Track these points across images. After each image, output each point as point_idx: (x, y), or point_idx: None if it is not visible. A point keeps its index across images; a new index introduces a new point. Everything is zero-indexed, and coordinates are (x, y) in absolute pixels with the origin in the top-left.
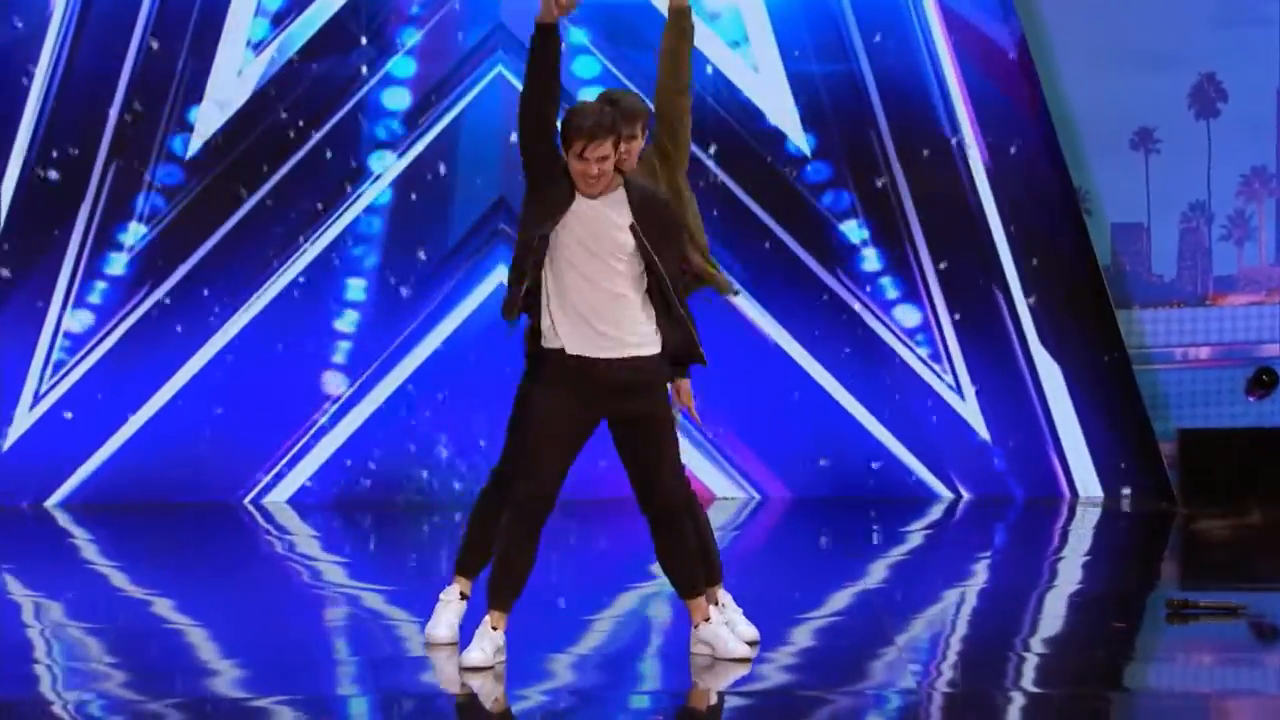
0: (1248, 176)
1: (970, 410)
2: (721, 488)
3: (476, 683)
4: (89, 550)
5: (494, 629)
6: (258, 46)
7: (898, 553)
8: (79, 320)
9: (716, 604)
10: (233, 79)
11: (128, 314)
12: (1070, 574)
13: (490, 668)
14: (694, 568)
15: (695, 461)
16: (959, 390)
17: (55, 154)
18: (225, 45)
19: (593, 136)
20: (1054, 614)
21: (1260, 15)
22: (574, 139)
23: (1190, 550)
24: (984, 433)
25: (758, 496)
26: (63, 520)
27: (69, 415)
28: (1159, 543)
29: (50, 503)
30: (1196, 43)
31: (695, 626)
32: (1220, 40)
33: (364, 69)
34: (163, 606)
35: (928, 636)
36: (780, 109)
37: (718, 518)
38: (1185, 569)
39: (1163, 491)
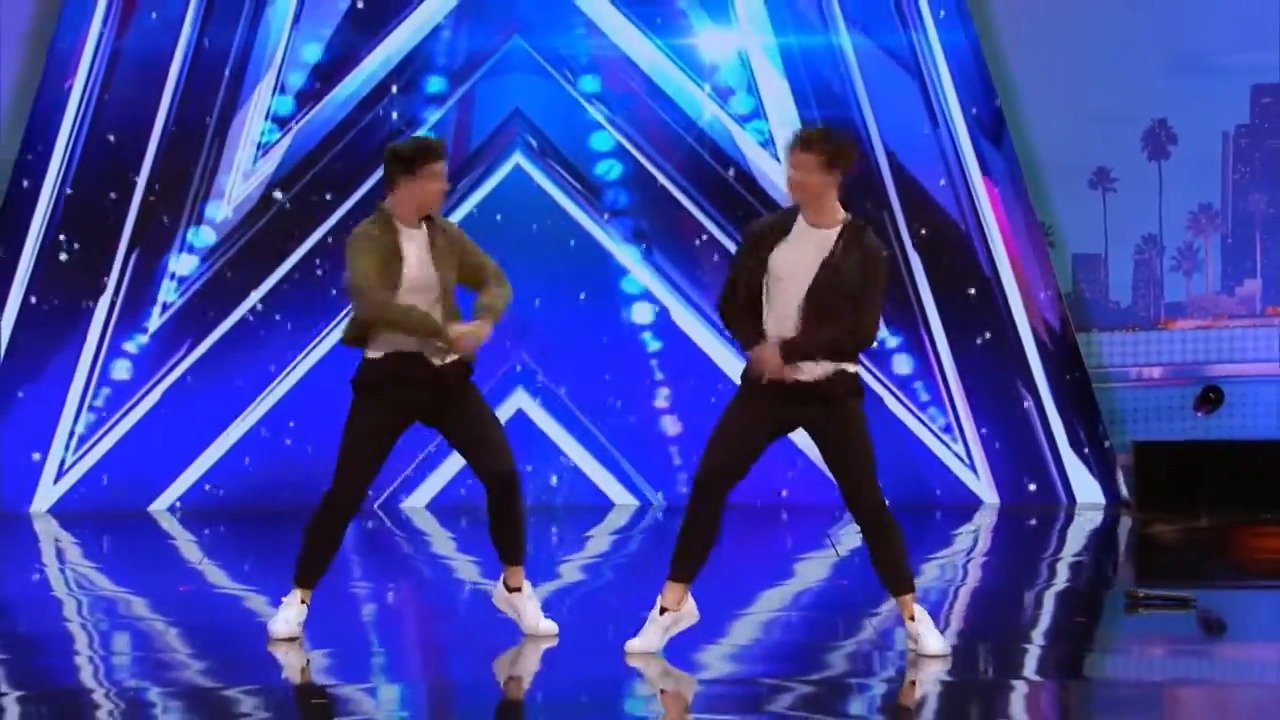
0: (1195, 213)
1: (956, 424)
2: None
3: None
4: (192, 552)
5: (661, 613)
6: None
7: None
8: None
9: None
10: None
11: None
12: (1033, 572)
13: (654, 652)
14: (900, 570)
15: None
16: (948, 405)
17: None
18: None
19: None
20: (1019, 608)
21: (1207, 67)
22: None
23: (1144, 551)
24: (968, 442)
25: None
26: (167, 524)
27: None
28: (1116, 544)
29: (156, 507)
30: (1149, 92)
31: (907, 620)
32: (1171, 90)
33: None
34: (257, 602)
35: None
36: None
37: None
38: (1140, 568)
39: (1119, 498)
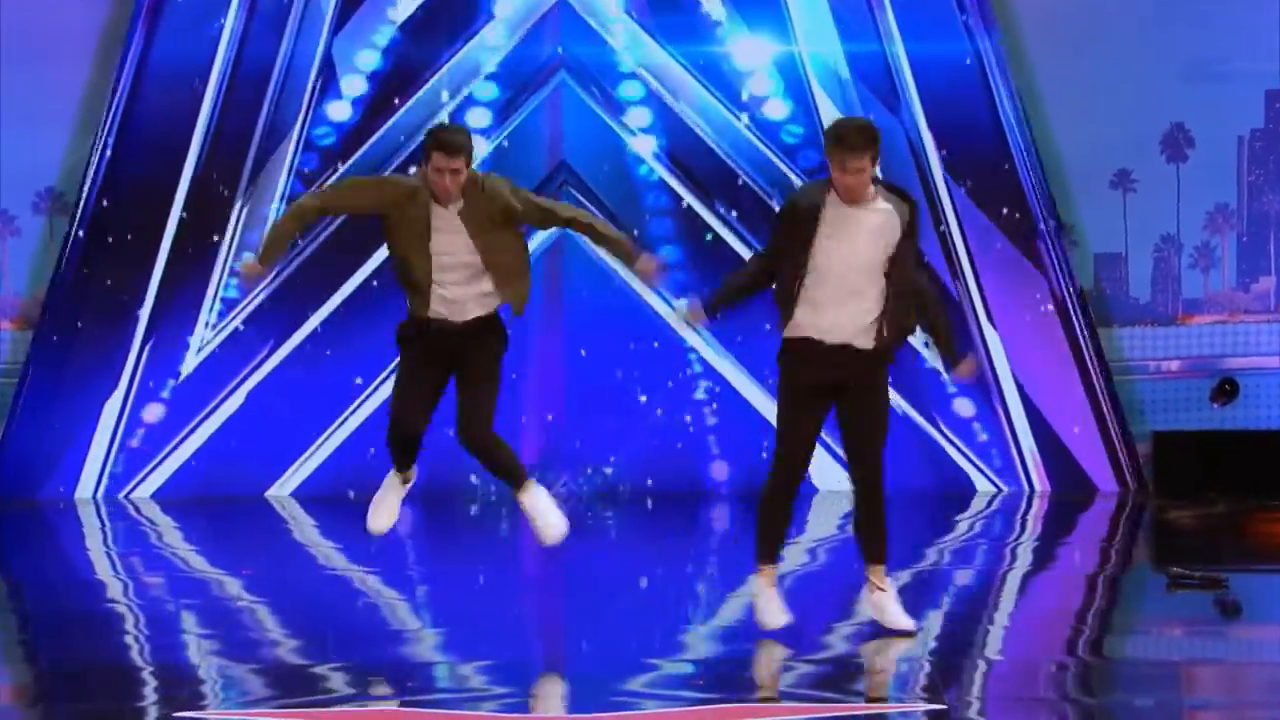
0: (1212, 213)
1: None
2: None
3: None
4: (309, 534)
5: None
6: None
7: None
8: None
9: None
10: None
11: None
12: (1056, 556)
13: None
14: (879, 539)
15: None
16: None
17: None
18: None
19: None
20: (1041, 590)
21: (1222, 73)
22: None
23: (1163, 536)
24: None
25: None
26: (285, 510)
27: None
28: (1136, 529)
29: (274, 492)
30: (1168, 97)
31: (870, 592)
32: (1188, 95)
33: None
34: (374, 582)
35: (937, 612)
36: None
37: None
38: (1158, 551)
39: (1140, 485)
